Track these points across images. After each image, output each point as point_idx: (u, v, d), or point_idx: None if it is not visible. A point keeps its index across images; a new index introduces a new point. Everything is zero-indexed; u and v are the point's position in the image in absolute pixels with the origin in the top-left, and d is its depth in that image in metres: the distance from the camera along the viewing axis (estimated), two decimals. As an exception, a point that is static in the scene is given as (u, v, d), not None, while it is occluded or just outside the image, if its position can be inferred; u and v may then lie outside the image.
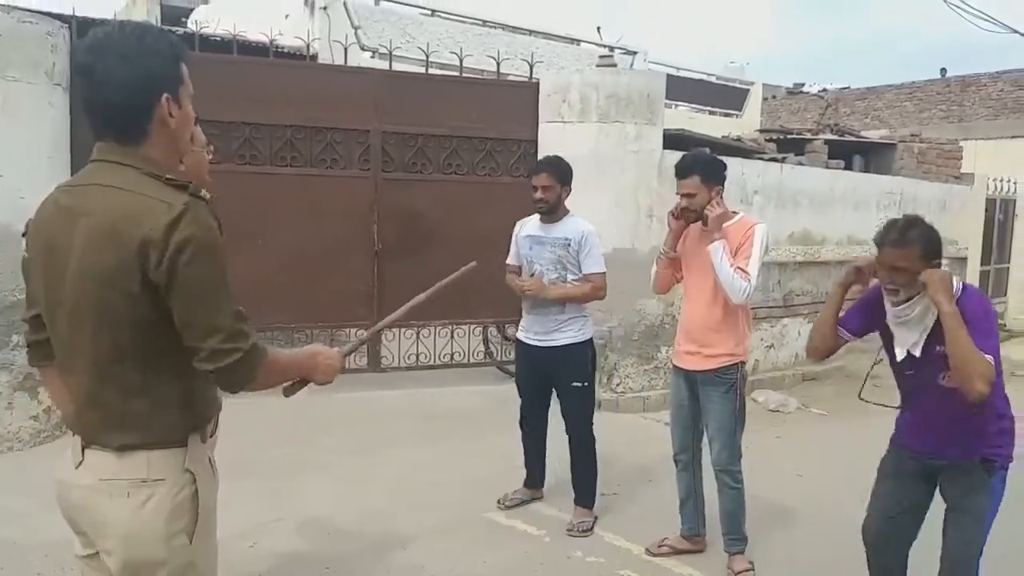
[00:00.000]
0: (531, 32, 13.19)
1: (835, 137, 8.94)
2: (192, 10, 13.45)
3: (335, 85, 6.04)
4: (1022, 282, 11.16)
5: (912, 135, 10.12)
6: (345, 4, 10.87)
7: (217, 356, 1.51)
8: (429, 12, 12.27)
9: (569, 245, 3.83)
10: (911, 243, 2.45)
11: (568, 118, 6.21)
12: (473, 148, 6.32)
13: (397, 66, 6.63)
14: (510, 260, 4.10)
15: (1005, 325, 10.55)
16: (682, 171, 3.42)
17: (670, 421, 3.68)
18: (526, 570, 3.51)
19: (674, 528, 3.68)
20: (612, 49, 13.22)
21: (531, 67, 6.54)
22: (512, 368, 4.25)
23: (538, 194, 3.84)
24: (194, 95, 1.65)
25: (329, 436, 5.12)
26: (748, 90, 18.18)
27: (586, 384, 3.93)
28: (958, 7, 9.10)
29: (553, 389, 4.02)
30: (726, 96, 17.74)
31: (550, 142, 6.28)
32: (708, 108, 16.99)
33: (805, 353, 2.96)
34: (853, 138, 9.31)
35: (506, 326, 6.72)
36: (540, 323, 3.89)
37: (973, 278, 10.02)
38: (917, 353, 2.53)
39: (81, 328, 1.53)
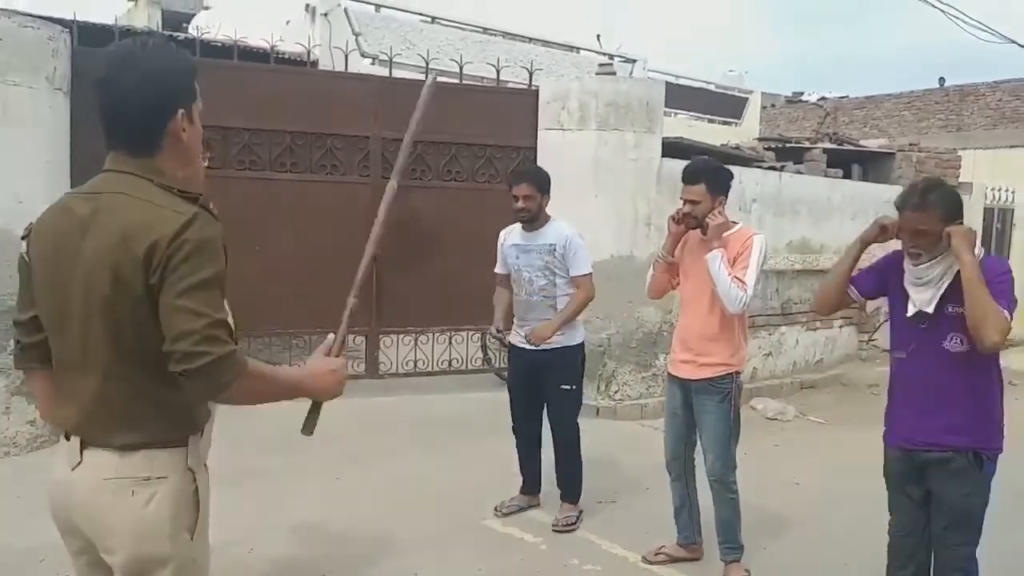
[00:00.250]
0: (531, 40, 13.23)
1: (834, 146, 8.96)
2: (193, 15, 13.51)
3: (335, 91, 6.06)
4: (1021, 290, 11.16)
5: (911, 144, 10.13)
6: (346, 11, 10.91)
7: (187, 359, 1.47)
8: (429, 19, 12.31)
9: (555, 250, 3.89)
10: (932, 206, 2.47)
11: (567, 125, 6.22)
12: (472, 155, 6.34)
13: (397, 73, 6.64)
14: (498, 269, 4.17)
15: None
16: (689, 177, 3.41)
17: (664, 429, 3.68)
18: (523, 578, 3.50)
19: (671, 536, 3.68)
20: (611, 57, 13.27)
21: (531, 74, 6.56)
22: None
23: (519, 204, 3.90)
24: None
25: (326, 442, 5.09)
26: (747, 98, 18.21)
27: (574, 387, 4.00)
28: (956, 17, 9.14)
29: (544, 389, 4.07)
30: (725, 104, 17.76)
31: (549, 149, 6.30)
32: (707, 116, 17.00)
33: (813, 305, 2.97)
34: (851, 147, 9.33)
35: (504, 333, 6.73)
36: (532, 324, 3.97)
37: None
38: (930, 310, 2.54)
39: (91, 330, 1.56)
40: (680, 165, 6.46)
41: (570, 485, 4.05)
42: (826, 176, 8.18)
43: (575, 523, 3.99)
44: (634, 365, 6.28)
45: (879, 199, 8.45)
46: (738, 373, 3.42)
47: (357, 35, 10.61)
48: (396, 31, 11.36)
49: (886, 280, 2.72)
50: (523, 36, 13.20)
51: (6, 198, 4.54)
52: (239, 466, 4.26)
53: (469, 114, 6.24)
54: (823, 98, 20.47)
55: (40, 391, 1.79)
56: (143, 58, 1.59)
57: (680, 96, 15.25)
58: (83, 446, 1.61)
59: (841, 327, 8.24)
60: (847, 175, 8.66)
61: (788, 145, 8.80)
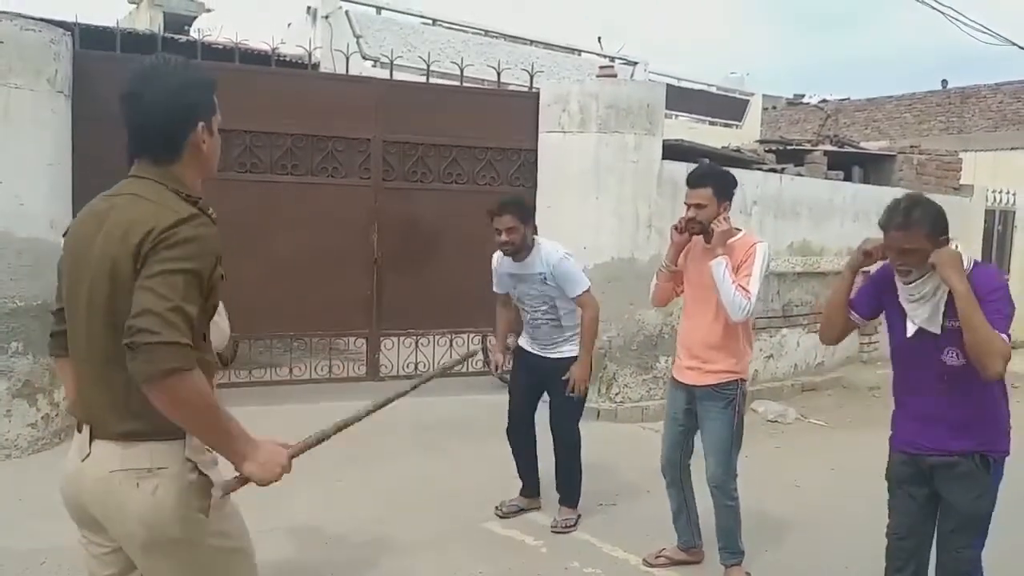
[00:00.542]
0: (532, 42, 13.23)
1: (835, 148, 8.95)
2: (195, 18, 13.53)
3: (336, 94, 6.07)
4: (1021, 294, 11.16)
5: (912, 146, 10.12)
6: (347, 13, 10.92)
7: (137, 333, 1.51)
8: (430, 21, 12.31)
9: (546, 279, 3.88)
10: (916, 224, 2.44)
11: (568, 128, 6.23)
12: (473, 157, 6.34)
13: (398, 75, 6.65)
14: (496, 289, 4.18)
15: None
16: (695, 181, 3.37)
17: (663, 432, 3.67)
18: (523, 580, 3.50)
19: (672, 539, 3.67)
20: (613, 59, 13.26)
21: (531, 77, 6.57)
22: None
23: (503, 237, 3.84)
24: None
25: (326, 444, 5.10)
26: (748, 101, 18.21)
27: (578, 394, 3.99)
28: (957, 20, 9.14)
29: (544, 392, 4.09)
30: (726, 107, 17.76)
31: (550, 152, 6.31)
32: (708, 119, 17.00)
33: (820, 338, 2.92)
34: (852, 149, 9.32)
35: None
36: (540, 341, 4.03)
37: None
38: (936, 330, 2.51)
39: (94, 318, 1.67)
40: (681, 167, 6.54)
41: (569, 490, 4.06)
42: (827, 178, 8.17)
43: (574, 525, 4.00)
44: (635, 368, 6.27)
45: (880, 201, 8.38)
46: (743, 380, 3.41)
47: (358, 37, 10.62)
48: (397, 33, 11.37)
49: (882, 295, 2.70)
50: (524, 38, 13.20)
51: (7, 200, 4.54)
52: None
53: (470, 116, 6.25)
54: (824, 100, 20.47)
55: (66, 378, 1.91)
56: (167, 74, 1.73)
57: (681, 98, 15.27)
58: (91, 437, 1.71)
59: (842, 329, 8.21)
60: (848, 177, 8.65)
61: (789, 147, 8.79)
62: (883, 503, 2.83)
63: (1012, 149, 13.82)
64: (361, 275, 6.09)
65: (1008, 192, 10.59)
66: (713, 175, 3.41)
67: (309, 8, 10.77)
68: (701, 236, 3.37)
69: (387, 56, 6.55)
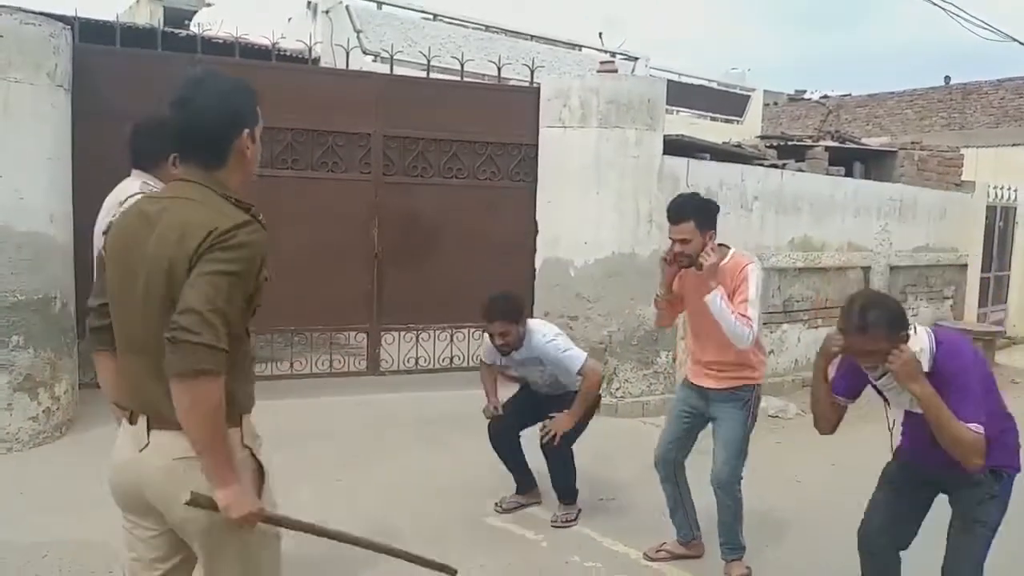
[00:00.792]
0: (532, 37, 13.19)
1: (836, 144, 8.95)
2: (195, 12, 13.49)
3: (337, 88, 6.05)
4: (1022, 289, 11.16)
5: (913, 142, 10.12)
6: (347, 8, 10.90)
7: (180, 331, 1.62)
8: (431, 16, 12.28)
9: (542, 363, 3.94)
10: (873, 326, 2.42)
11: (569, 123, 6.22)
12: (474, 152, 6.33)
13: (398, 70, 6.64)
14: (484, 358, 4.22)
15: (1005, 332, 10.55)
16: (675, 215, 3.32)
17: (663, 428, 3.68)
18: (523, 575, 3.51)
19: (672, 533, 3.69)
20: (613, 55, 13.25)
21: (532, 72, 6.56)
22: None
23: (499, 341, 3.89)
24: None
25: (327, 439, 5.12)
26: (749, 96, 18.19)
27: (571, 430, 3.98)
28: (959, 16, 9.12)
29: (536, 417, 4.07)
30: (727, 102, 17.74)
31: (550, 146, 6.31)
32: (709, 114, 16.98)
33: (817, 430, 2.82)
34: (854, 145, 9.31)
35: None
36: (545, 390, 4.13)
37: (973, 285, 10.03)
38: (919, 410, 2.48)
39: (150, 313, 1.74)
40: (682, 163, 6.53)
41: (565, 490, 4.06)
42: (828, 174, 8.17)
43: (574, 519, 4.01)
44: (635, 362, 6.27)
45: (881, 197, 8.47)
46: (759, 384, 3.43)
47: (359, 32, 10.60)
48: (398, 28, 11.35)
49: (860, 375, 2.68)
50: (525, 33, 13.17)
51: (7, 194, 4.54)
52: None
53: (470, 111, 6.23)
54: (825, 96, 20.45)
55: (105, 372, 2.00)
56: (215, 83, 1.83)
57: (682, 94, 15.24)
58: (150, 428, 1.78)
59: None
60: (849, 173, 8.65)
61: (790, 143, 8.79)
62: (883, 499, 2.84)
63: (1014, 145, 13.80)
64: (362, 270, 6.08)
65: (1009, 188, 10.58)
66: (693, 207, 3.34)
67: (309, 3, 10.76)
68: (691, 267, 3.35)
69: (387, 51, 6.54)
